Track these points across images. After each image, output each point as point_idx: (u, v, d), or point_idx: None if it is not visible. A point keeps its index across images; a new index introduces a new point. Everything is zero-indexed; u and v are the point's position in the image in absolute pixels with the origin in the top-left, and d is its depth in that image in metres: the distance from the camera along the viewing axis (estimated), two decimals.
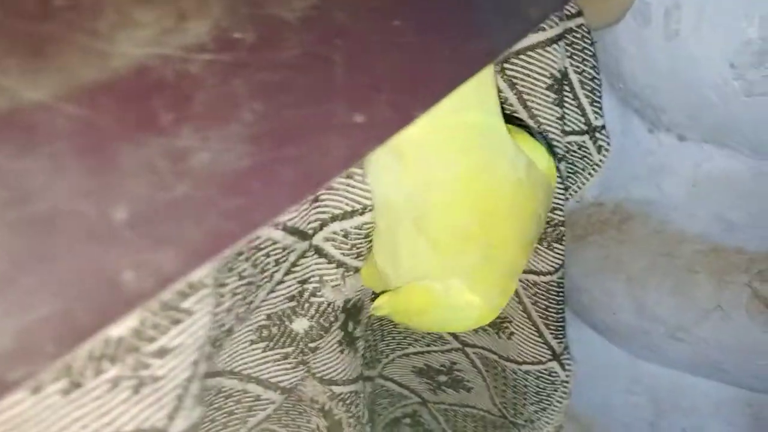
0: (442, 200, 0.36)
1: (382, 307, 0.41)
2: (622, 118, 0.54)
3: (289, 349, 0.42)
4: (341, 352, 0.45)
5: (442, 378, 0.57)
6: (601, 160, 0.51)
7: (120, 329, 0.24)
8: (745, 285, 0.55)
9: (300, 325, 0.42)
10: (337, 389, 0.45)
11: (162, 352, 0.26)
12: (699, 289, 0.56)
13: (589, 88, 0.48)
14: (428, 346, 0.55)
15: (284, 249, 0.39)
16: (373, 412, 0.59)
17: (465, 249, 0.37)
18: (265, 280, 0.39)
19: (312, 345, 0.42)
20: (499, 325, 0.52)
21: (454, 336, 0.55)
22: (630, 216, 0.58)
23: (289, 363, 0.43)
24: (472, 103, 0.35)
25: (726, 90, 0.45)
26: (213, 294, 0.29)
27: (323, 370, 0.44)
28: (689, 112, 0.48)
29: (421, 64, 0.26)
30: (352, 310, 0.45)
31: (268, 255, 0.38)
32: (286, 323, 0.41)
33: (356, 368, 0.46)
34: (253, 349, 0.41)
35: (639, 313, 0.58)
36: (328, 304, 0.42)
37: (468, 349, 0.55)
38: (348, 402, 0.46)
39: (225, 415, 0.42)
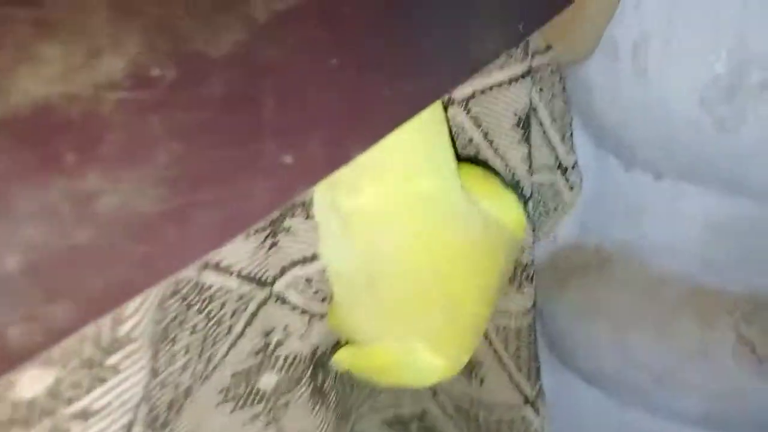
0: (392, 269, 0.35)
1: (342, 362, 0.39)
2: (597, 157, 0.53)
3: (258, 408, 0.40)
4: (313, 409, 0.42)
5: (414, 427, 0.55)
6: (573, 199, 0.50)
7: (32, 389, 0.23)
8: (731, 328, 0.53)
9: (268, 380, 0.40)
10: None
11: (84, 414, 0.24)
12: (683, 333, 0.54)
13: (559, 125, 0.46)
14: (398, 397, 0.53)
15: (241, 298, 0.37)
16: None
17: (423, 311, 0.36)
18: (223, 332, 0.37)
19: (282, 401, 0.40)
20: (469, 369, 0.50)
21: None
22: (610, 258, 0.56)
23: (261, 422, 0.40)
24: (425, 169, 0.34)
25: (697, 126, 0.44)
26: (146, 349, 0.27)
27: (297, 430, 0.42)
28: (663, 148, 0.47)
29: (359, 103, 0.25)
30: (322, 359, 0.43)
31: (223, 305, 0.36)
32: (253, 380, 0.39)
33: (330, 425, 0.44)
34: (220, 412, 0.39)
35: (623, 357, 0.56)
36: (296, 355, 0.40)
37: (439, 397, 0.53)
38: None
39: None
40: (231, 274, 0.35)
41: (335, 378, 0.46)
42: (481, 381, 0.48)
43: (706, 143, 0.44)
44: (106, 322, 0.24)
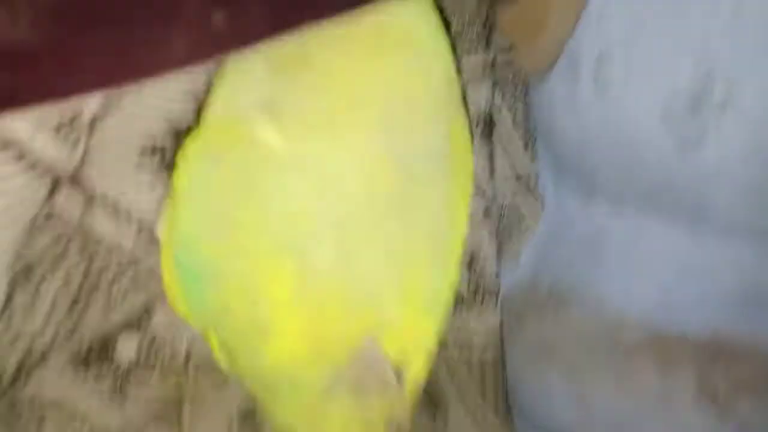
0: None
1: None
2: (555, 192, 0.52)
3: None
4: None
5: None
6: (536, 214, 0.48)
7: None
8: (692, 375, 0.50)
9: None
10: None
11: None
12: (643, 380, 0.51)
13: (521, 132, 0.45)
14: None
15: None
16: None
17: None
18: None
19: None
20: (432, 410, 0.46)
21: None
22: (567, 298, 0.54)
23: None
24: None
25: (659, 146, 0.43)
26: None
27: None
28: (623, 173, 0.46)
29: None
30: None
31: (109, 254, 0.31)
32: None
33: None
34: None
35: (579, 406, 0.53)
36: None
37: None
38: None
39: None
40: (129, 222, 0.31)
41: None
42: (446, 422, 0.45)
43: (668, 164, 0.43)
44: None
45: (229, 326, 0.30)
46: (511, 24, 0.44)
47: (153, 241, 0.31)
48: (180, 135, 0.30)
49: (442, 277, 0.36)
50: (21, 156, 0.24)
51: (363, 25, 0.26)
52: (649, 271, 0.50)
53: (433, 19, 0.32)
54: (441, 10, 0.32)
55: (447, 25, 0.34)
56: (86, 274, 0.29)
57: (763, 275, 0.47)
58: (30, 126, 0.25)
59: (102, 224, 0.29)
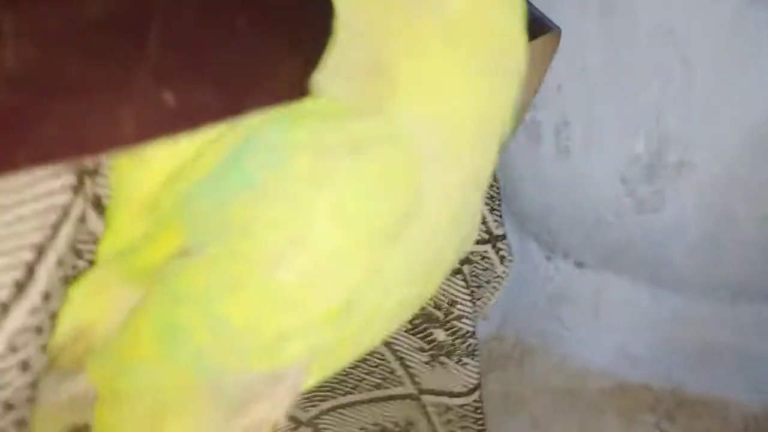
0: None
1: None
2: (519, 245, 0.53)
3: None
4: None
5: None
6: (504, 272, 0.48)
7: None
8: (653, 426, 0.51)
9: None
10: None
11: None
12: (606, 429, 0.52)
13: (488, 195, 0.46)
14: None
15: None
16: None
17: None
18: None
19: None
20: None
21: None
22: (531, 350, 0.55)
23: None
24: None
25: (619, 207, 0.44)
26: None
27: None
28: (585, 233, 0.47)
29: (261, 63, 0.23)
30: None
31: None
32: None
33: None
34: None
35: None
36: None
37: None
38: None
39: None
40: None
41: None
42: None
43: (627, 225, 0.44)
44: None
45: None
46: None
47: None
48: None
49: None
50: None
51: None
52: (610, 325, 0.51)
53: None
54: None
55: None
56: None
57: (720, 330, 0.49)
58: None
59: None
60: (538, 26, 0.34)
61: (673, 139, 0.42)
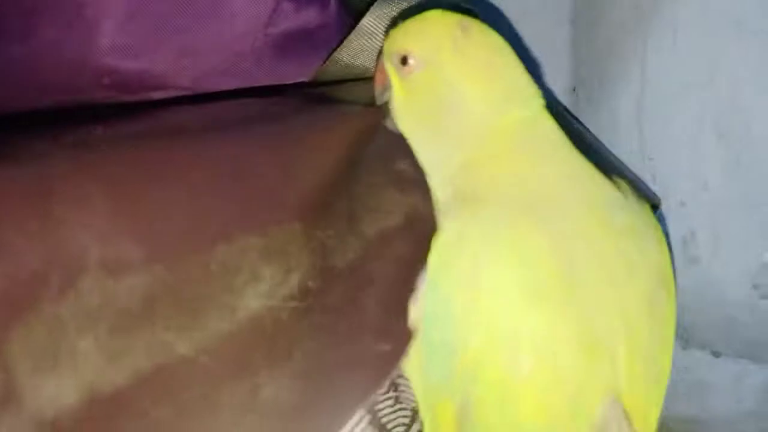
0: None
1: None
2: None
3: None
4: None
5: None
6: None
7: None
8: None
9: None
10: None
11: None
12: None
13: None
14: None
15: None
16: None
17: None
18: None
19: None
20: None
21: None
22: None
23: None
24: None
25: (754, 309, 0.46)
26: None
27: None
28: (720, 330, 0.49)
29: None
30: None
31: None
32: None
33: None
34: None
35: None
36: None
37: None
38: None
39: None
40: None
41: None
42: None
43: (764, 324, 0.46)
44: None
45: (478, 391, 0.32)
46: None
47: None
48: None
49: (661, 347, 0.37)
50: None
51: None
52: (756, 408, 0.52)
53: None
54: None
55: None
56: None
57: None
58: None
59: None
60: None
61: None
